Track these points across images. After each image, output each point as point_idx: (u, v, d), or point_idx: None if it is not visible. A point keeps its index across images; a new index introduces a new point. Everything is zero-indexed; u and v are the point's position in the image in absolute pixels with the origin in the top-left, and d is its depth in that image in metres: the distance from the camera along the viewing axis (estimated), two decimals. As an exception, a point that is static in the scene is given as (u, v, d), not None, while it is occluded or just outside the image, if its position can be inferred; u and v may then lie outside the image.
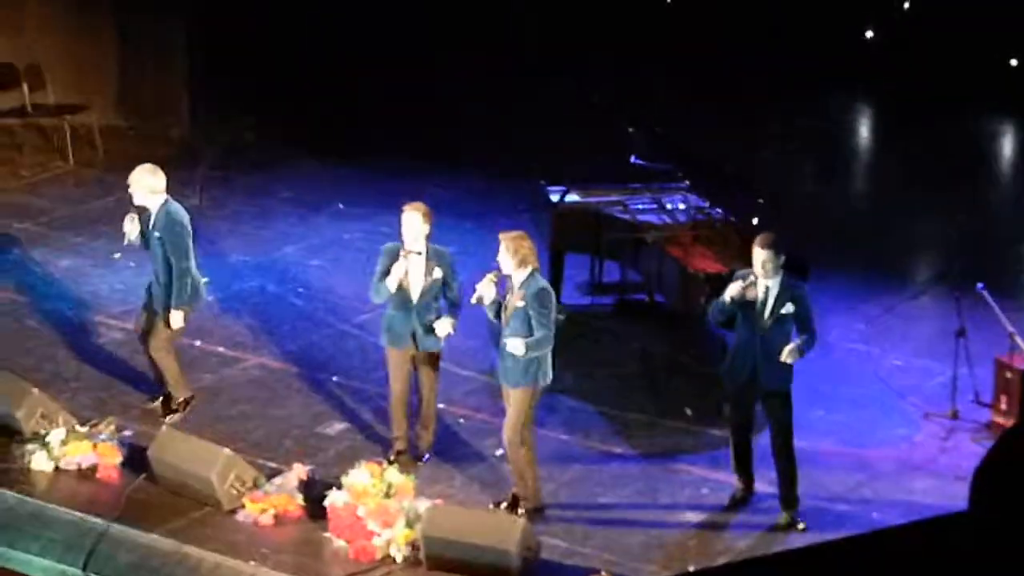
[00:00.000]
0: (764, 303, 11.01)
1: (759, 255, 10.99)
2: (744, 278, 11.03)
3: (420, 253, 11.61)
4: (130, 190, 12.41)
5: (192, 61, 17.30)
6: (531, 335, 11.12)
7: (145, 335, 12.57)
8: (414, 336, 11.66)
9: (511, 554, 10.56)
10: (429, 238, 11.67)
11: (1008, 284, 13.94)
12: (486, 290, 11.23)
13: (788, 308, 10.98)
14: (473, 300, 11.50)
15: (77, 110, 16.60)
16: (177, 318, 12.35)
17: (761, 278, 10.97)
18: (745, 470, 11.38)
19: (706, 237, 12.91)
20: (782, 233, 11.70)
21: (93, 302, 14.11)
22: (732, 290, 10.98)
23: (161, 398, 12.69)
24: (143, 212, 12.35)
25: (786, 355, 10.91)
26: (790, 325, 11.04)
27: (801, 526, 11.11)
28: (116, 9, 17.15)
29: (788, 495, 11.25)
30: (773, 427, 11.26)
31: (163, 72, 17.24)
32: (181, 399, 12.60)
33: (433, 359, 11.83)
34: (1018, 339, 12.17)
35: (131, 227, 11.92)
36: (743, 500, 11.43)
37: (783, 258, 11.04)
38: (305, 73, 17.67)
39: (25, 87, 16.57)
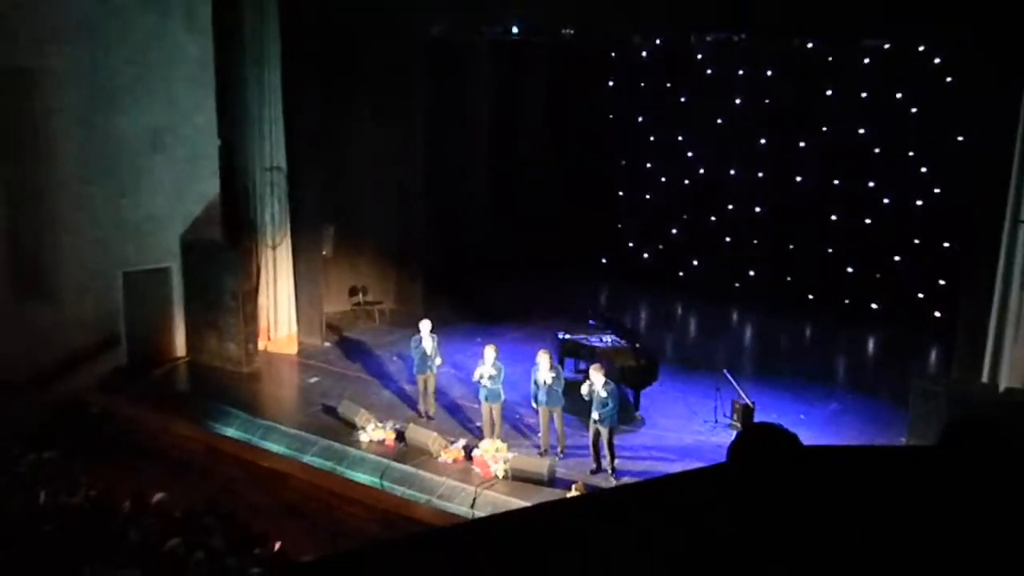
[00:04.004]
0: (596, 391, 10.39)
1: (594, 374, 10.42)
2: (589, 385, 10.44)
3: (491, 364, 10.98)
4: (424, 328, 11.87)
5: (425, 286, 15.74)
6: (559, 390, 10.82)
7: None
8: (487, 397, 11.03)
9: (544, 475, 10.43)
10: (497, 357, 11.03)
11: (739, 369, 13.34)
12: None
13: (604, 393, 10.29)
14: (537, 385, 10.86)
15: (379, 304, 15.04)
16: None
17: (595, 380, 10.40)
18: (595, 455, 10.54)
19: (618, 353, 12.37)
20: (621, 362, 11.33)
21: (384, 373, 13.50)
22: (584, 391, 10.51)
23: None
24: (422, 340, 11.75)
25: (599, 417, 10.38)
26: (607, 398, 10.29)
27: (615, 480, 10.14)
28: (393, 262, 15.83)
29: (611, 467, 10.40)
30: (605, 439, 10.40)
31: (409, 286, 15.75)
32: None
33: (495, 409, 10.89)
34: (741, 393, 11.64)
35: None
36: (598, 467, 10.52)
37: (603, 372, 10.41)
38: (476, 285, 16.36)
39: (360, 294, 15.36)
